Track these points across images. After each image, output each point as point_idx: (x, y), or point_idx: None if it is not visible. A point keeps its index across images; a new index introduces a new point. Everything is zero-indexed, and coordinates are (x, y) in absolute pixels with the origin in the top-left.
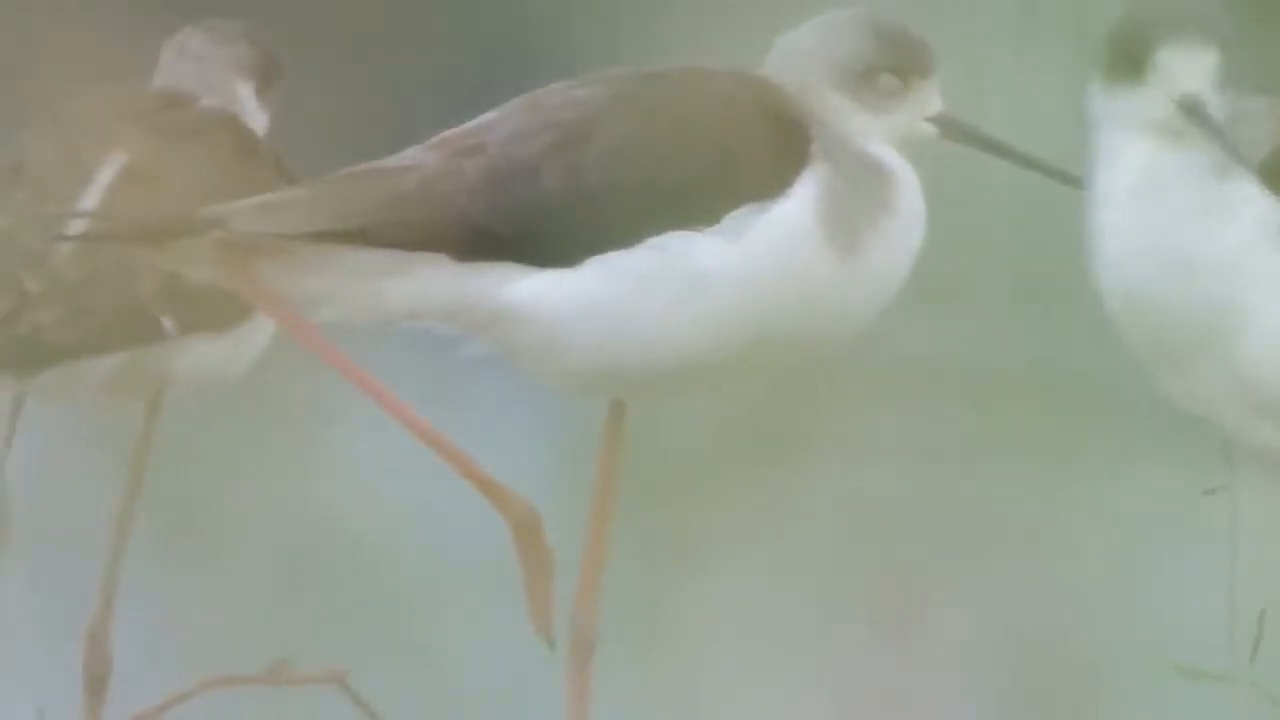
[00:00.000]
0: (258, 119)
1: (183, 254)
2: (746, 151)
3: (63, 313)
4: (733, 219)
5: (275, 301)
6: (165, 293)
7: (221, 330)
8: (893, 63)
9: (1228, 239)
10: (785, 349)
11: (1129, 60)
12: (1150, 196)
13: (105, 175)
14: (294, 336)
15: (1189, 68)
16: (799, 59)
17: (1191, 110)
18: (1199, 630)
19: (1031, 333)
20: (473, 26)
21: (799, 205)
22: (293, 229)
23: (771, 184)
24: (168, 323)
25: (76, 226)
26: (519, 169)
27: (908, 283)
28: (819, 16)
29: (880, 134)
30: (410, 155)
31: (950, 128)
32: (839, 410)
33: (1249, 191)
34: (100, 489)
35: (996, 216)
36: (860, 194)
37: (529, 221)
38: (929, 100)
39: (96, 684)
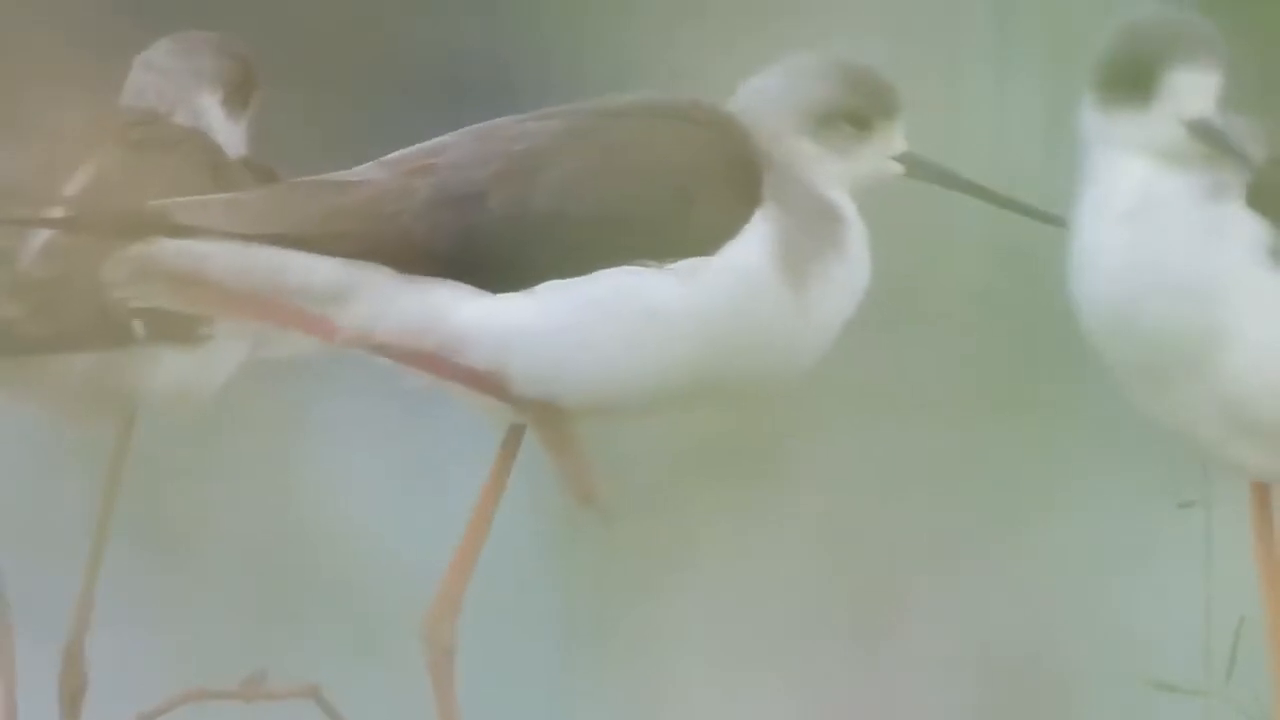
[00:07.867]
0: (228, 131)
1: (133, 266)
2: (697, 191)
3: (30, 307)
4: (686, 261)
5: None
6: None
7: (192, 344)
8: (856, 106)
9: (1217, 260)
10: (736, 385)
11: (1134, 82)
12: (1143, 217)
13: (74, 185)
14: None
15: (1197, 90)
16: (764, 103)
17: (1205, 132)
18: (1175, 645)
19: (1004, 348)
20: (447, 36)
21: (751, 245)
22: (234, 228)
23: (723, 225)
24: (138, 326)
25: (32, 217)
26: (466, 193)
27: (881, 303)
28: (785, 59)
29: (845, 176)
30: (361, 171)
31: (916, 167)
32: (811, 429)
33: (1239, 213)
34: (75, 506)
35: (968, 237)
36: (811, 233)
37: (472, 244)
38: (893, 140)
39: (73, 701)
